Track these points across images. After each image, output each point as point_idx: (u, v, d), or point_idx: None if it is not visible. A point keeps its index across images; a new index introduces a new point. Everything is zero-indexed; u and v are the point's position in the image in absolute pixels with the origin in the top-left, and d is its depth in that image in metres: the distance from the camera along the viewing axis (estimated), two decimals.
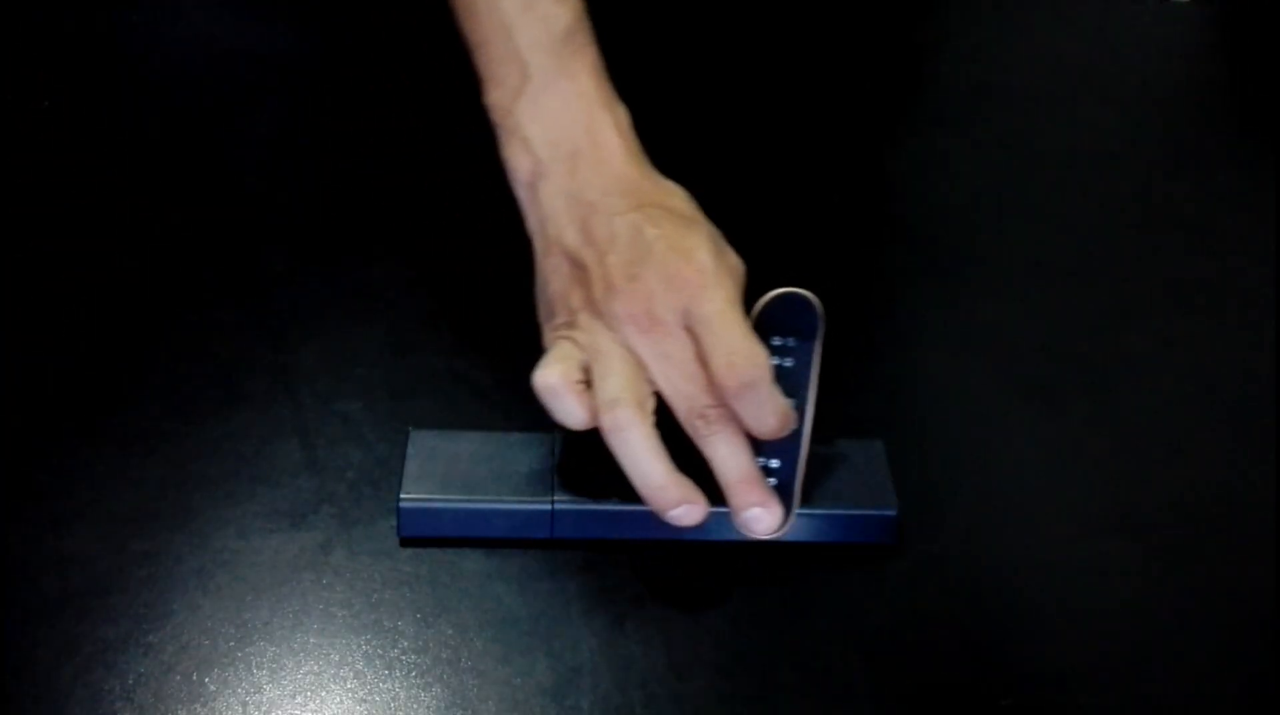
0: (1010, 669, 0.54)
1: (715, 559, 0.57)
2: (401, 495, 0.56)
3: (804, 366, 0.56)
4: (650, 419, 0.53)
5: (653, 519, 0.56)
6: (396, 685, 0.52)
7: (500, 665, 0.52)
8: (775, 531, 0.54)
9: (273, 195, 0.74)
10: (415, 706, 0.51)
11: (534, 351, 0.65)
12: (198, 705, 0.50)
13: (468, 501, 0.56)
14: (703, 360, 0.53)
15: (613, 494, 0.56)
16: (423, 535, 0.56)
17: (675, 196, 0.58)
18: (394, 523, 0.56)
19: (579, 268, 0.56)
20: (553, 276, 0.57)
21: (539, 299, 0.58)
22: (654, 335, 0.53)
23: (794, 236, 0.75)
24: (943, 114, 0.85)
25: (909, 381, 0.66)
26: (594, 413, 0.53)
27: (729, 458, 0.53)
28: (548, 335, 0.57)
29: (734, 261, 0.56)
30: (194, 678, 0.51)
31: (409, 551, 0.56)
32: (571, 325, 0.55)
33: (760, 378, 0.52)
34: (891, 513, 0.57)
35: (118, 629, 0.52)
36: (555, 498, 0.56)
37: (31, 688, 0.50)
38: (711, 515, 0.53)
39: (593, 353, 0.54)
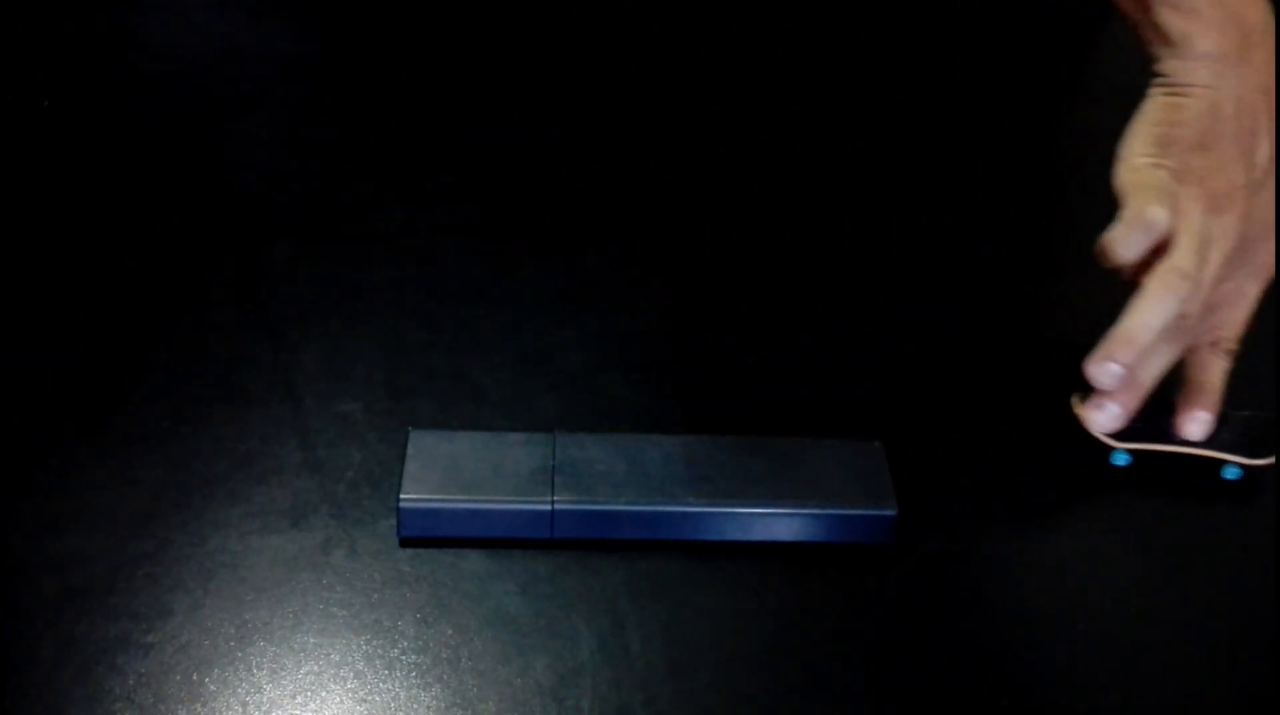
0: (1010, 669, 0.54)
1: (715, 559, 0.57)
2: (401, 495, 0.56)
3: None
4: (1184, 309, 0.56)
5: (653, 519, 0.56)
6: (396, 685, 0.52)
7: (500, 665, 0.52)
8: (1106, 384, 0.57)
9: (273, 195, 0.74)
10: (415, 706, 0.51)
11: (534, 352, 0.66)
12: (198, 705, 0.50)
13: (468, 501, 0.56)
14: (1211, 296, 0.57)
15: (613, 494, 0.56)
16: (423, 535, 0.56)
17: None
18: (394, 523, 0.56)
19: (1222, 145, 0.57)
20: (1190, 127, 0.57)
21: (1151, 122, 0.58)
22: (1223, 260, 0.56)
23: (793, 236, 0.75)
24: (942, 114, 0.85)
25: (909, 381, 0.66)
26: (1139, 253, 0.55)
27: (1155, 310, 0.55)
28: (1143, 150, 0.58)
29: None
30: (194, 678, 0.51)
31: (409, 551, 0.56)
32: (1180, 180, 0.56)
33: (1233, 353, 0.59)
34: (891, 513, 0.57)
35: (118, 629, 0.52)
36: (555, 498, 0.56)
37: (31, 688, 0.50)
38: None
39: (1185, 223, 0.56)
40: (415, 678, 0.52)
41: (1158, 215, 0.56)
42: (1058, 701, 0.53)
